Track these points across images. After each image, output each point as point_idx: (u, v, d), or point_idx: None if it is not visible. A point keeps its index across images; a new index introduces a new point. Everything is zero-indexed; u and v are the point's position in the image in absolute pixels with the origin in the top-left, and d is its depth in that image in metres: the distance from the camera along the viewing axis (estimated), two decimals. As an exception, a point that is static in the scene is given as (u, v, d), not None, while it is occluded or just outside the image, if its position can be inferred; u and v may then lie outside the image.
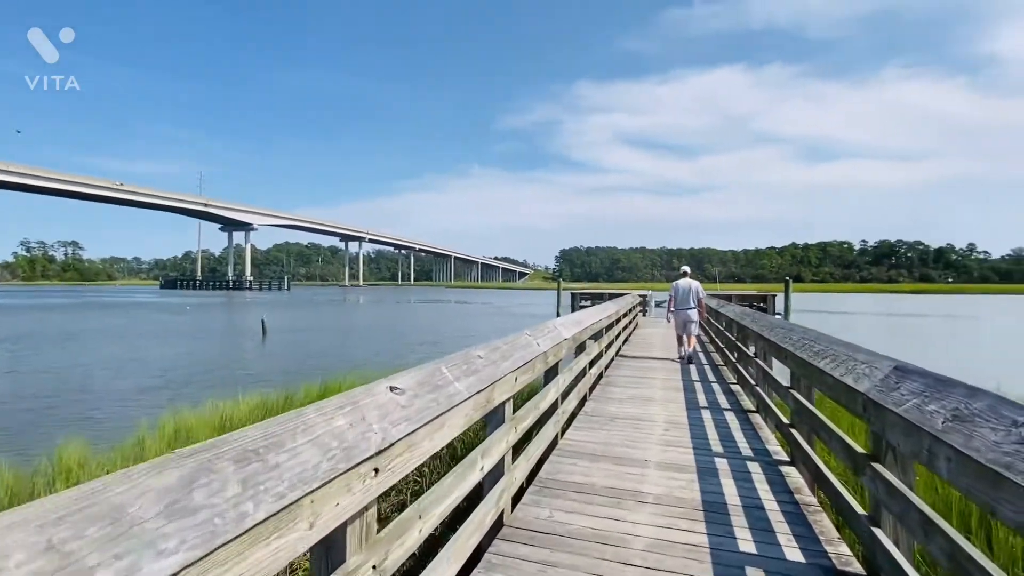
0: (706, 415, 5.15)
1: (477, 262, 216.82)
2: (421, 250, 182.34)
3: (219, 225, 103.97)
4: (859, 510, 2.38)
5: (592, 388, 6.17)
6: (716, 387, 6.59)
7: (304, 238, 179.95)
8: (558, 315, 22.12)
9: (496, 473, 2.62)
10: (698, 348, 11.32)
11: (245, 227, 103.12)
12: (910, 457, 2.12)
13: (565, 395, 4.52)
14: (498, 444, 2.54)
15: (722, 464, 3.72)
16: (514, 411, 2.90)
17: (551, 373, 3.98)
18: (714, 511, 2.93)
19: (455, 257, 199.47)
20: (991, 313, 42.82)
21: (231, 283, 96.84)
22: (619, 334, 9.63)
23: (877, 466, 2.18)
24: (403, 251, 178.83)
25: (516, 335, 3.34)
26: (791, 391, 3.73)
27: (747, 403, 5.66)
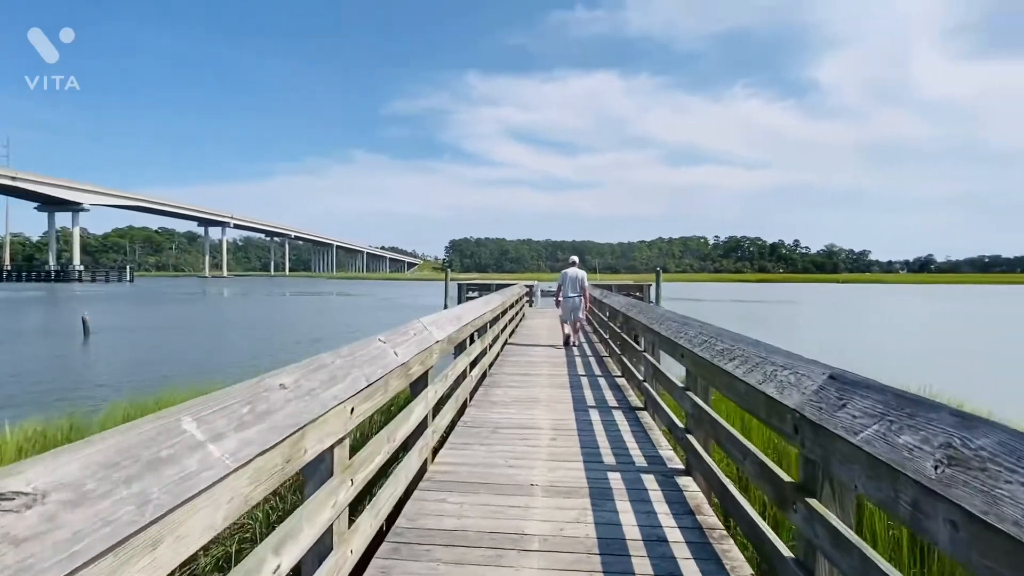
0: (595, 416, 4.73)
1: (362, 251, 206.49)
2: (298, 238, 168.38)
3: (36, 204, 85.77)
4: (784, 551, 1.94)
5: (474, 391, 5.49)
6: (603, 382, 6.29)
7: (155, 222, 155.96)
8: (446, 307, 21.33)
9: (319, 552, 1.78)
10: (582, 337, 11.28)
11: (72, 207, 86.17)
12: (853, 495, 1.70)
13: (438, 408, 3.76)
14: (317, 515, 1.69)
15: (616, 480, 3.24)
16: (352, 454, 2.06)
17: (419, 385, 3.19)
18: (612, 553, 2.37)
19: (337, 246, 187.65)
20: (812, 299, 51.38)
21: (53, 274, 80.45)
22: (505, 327, 9.10)
23: (813, 503, 1.73)
24: (277, 239, 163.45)
25: (365, 342, 2.49)
26: (687, 392, 3.36)
27: (635, 399, 5.38)
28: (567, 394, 5.58)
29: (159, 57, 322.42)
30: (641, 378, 5.11)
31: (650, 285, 18.08)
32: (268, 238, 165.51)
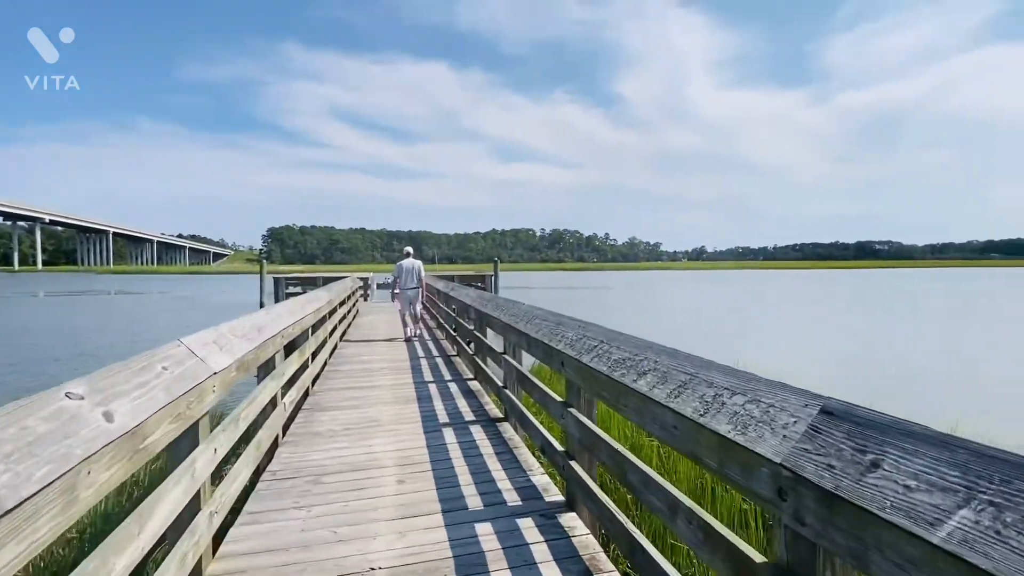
0: (450, 436, 3.90)
1: (151, 240, 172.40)
2: (55, 222, 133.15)
3: None
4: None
5: (289, 422, 4.21)
6: (454, 388, 5.49)
7: None
8: (262, 305, 18.32)
9: None
10: (424, 333, 10.42)
11: None
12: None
13: (217, 474, 2.53)
14: None
15: (488, 536, 2.45)
16: None
17: (180, 451, 1.97)
18: None
19: (115, 233, 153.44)
20: (621, 285, 58.65)
21: None
22: (335, 328, 7.71)
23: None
24: (23, 223, 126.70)
25: (25, 404, 1.24)
26: (570, 410, 2.72)
27: (493, 409, 4.69)
28: (414, 410, 4.64)
29: None
30: (501, 384, 4.43)
31: (492, 275, 17.91)
32: (9, 222, 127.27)
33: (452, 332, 7.79)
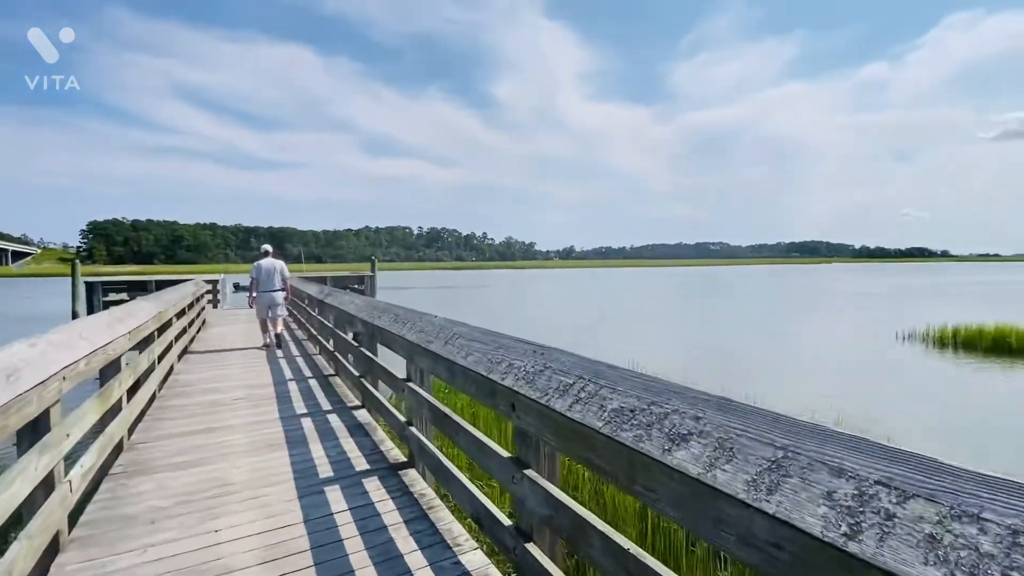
0: (338, 503, 2.88)
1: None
2: None
3: None
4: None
5: (82, 505, 2.82)
6: (335, 421, 4.37)
7: None
8: (75, 315, 14.59)
9: None
10: (287, 337, 8.96)
11: None
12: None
13: None
14: None
15: None
16: None
17: None
18: None
19: None
20: (501, 283, 59.76)
21: None
22: (170, 347, 5.99)
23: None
24: None
25: None
26: (526, 472, 1.95)
27: (393, 448, 3.71)
28: (283, 460, 3.48)
29: None
30: (404, 420, 3.48)
31: (372, 276, 16.29)
32: None
33: (329, 348, 6.53)
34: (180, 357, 7.18)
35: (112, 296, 12.93)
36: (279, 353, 7.73)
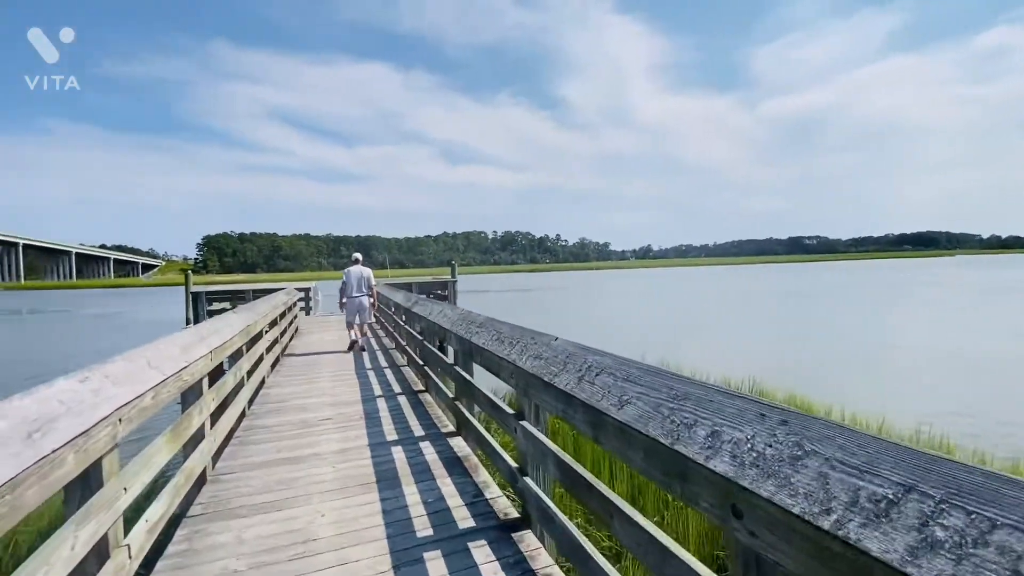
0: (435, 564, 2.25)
1: (69, 252, 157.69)
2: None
3: None
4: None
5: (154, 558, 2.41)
6: (428, 453, 3.80)
7: None
8: (188, 323, 15.71)
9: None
10: (381, 358, 8.73)
11: None
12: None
13: None
14: None
15: None
16: None
17: None
18: None
19: (26, 245, 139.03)
20: (579, 284, 58.44)
21: None
22: (260, 361, 5.82)
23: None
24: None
25: None
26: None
27: (498, 496, 3.05)
28: (374, 511, 2.91)
29: None
30: (516, 467, 2.80)
31: (455, 281, 16.03)
32: None
33: (418, 361, 6.07)
34: (273, 367, 7.10)
35: (215, 306, 13.60)
36: (367, 364, 7.47)
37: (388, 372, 6.91)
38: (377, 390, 5.85)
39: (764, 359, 12.74)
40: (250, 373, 5.06)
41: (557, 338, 2.46)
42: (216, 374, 3.85)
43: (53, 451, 1.53)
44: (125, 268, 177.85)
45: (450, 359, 4.52)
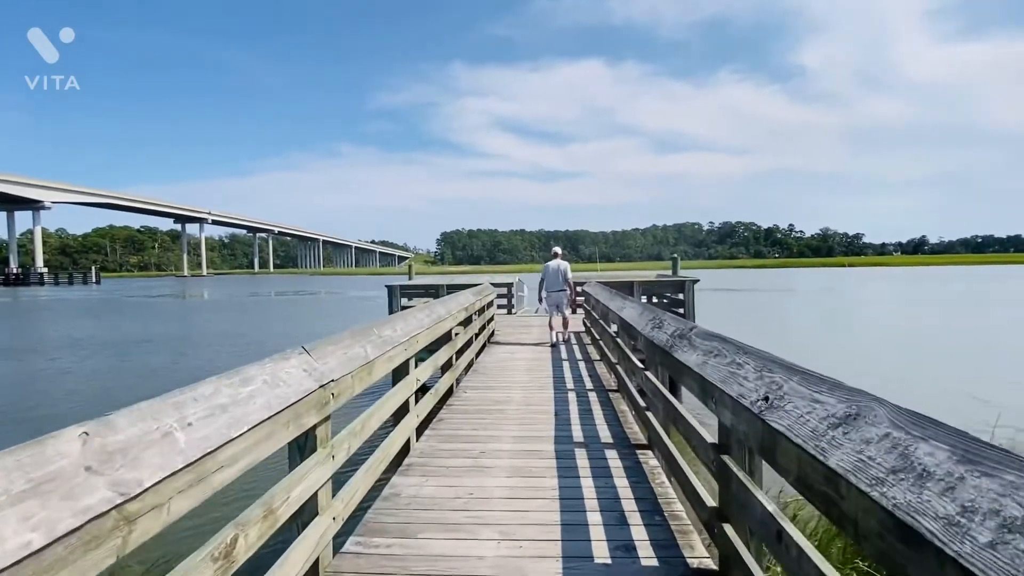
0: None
1: (350, 246, 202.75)
2: (283, 233, 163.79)
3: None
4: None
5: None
6: (622, 491, 3.41)
7: (136, 220, 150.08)
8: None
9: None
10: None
11: (32, 205, 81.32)
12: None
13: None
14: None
15: None
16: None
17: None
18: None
19: (324, 241, 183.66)
20: (842, 285, 48.12)
21: (14, 276, 76.05)
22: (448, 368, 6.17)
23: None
24: (261, 234, 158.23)
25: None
26: None
27: (694, 542, 2.48)
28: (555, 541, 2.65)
29: (132, 59, 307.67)
30: (713, 507, 2.25)
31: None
32: (251, 234, 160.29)
33: (612, 359, 5.71)
34: (457, 380, 5.93)
35: (408, 302, 11.88)
36: (567, 374, 6.56)
37: (593, 397, 5.46)
38: (575, 415, 4.79)
39: None
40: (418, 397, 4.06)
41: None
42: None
43: (282, 410, 1.69)
44: (386, 259, 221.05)
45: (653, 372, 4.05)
